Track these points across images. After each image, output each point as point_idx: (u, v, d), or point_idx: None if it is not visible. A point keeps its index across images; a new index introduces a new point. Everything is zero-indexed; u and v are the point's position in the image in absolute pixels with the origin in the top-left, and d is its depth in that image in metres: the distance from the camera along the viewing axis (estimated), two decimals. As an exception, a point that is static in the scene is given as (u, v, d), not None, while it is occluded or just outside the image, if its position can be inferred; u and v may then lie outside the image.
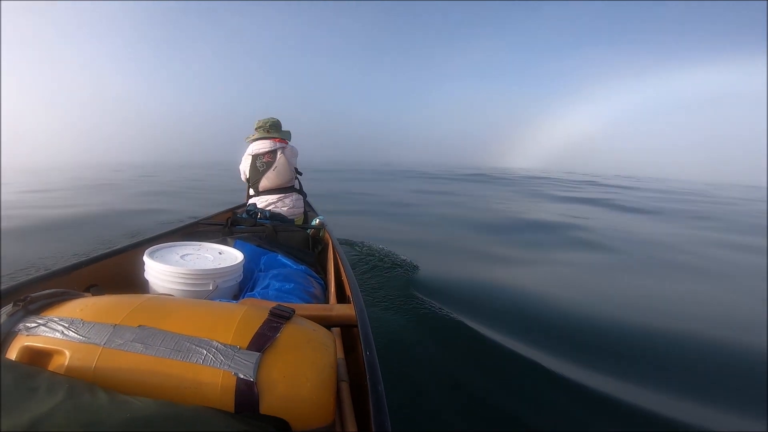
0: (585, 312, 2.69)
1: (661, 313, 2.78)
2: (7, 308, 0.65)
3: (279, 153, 2.42)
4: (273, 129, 2.48)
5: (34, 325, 0.62)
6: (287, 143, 2.51)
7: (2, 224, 4.65)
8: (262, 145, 2.42)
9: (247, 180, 2.48)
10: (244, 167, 2.48)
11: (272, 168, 2.40)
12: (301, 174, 2.63)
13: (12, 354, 0.60)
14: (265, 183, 2.42)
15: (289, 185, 2.53)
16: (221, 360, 0.59)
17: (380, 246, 3.81)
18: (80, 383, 0.52)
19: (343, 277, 1.57)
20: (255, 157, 2.42)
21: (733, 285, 3.77)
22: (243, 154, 2.51)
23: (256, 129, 2.49)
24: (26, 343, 0.60)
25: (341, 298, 1.48)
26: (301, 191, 2.64)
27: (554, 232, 6.15)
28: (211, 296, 1.24)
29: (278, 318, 0.69)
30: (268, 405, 0.57)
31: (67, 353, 0.59)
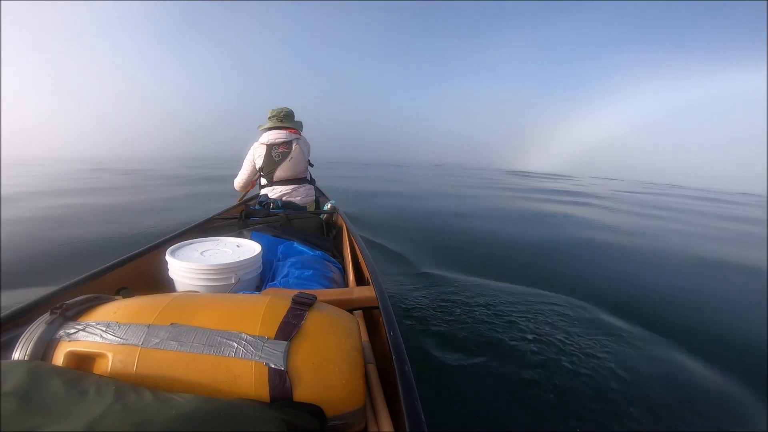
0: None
1: None
2: (45, 316, 0.67)
3: (294, 144, 2.43)
4: (287, 119, 2.49)
5: (73, 330, 0.64)
6: (300, 134, 2.53)
7: None
8: (278, 135, 2.42)
9: (260, 169, 2.49)
10: (257, 156, 2.47)
11: (288, 158, 2.42)
12: (312, 165, 2.66)
13: (58, 360, 0.62)
14: (279, 173, 2.44)
15: (303, 176, 2.56)
16: (252, 351, 0.60)
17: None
18: (125, 384, 0.54)
19: (360, 260, 1.58)
20: (270, 147, 2.43)
21: None
22: (255, 142, 2.50)
23: (269, 118, 2.50)
24: (69, 349, 0.62)
25: (360, 280, 1.50)
26: (311, 181, 2.67)
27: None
28: (234, 289, 1.27)
29: (301, 305, 0.70)
30: (301, 392, 0.58)
31: (109, 355, 0.61)
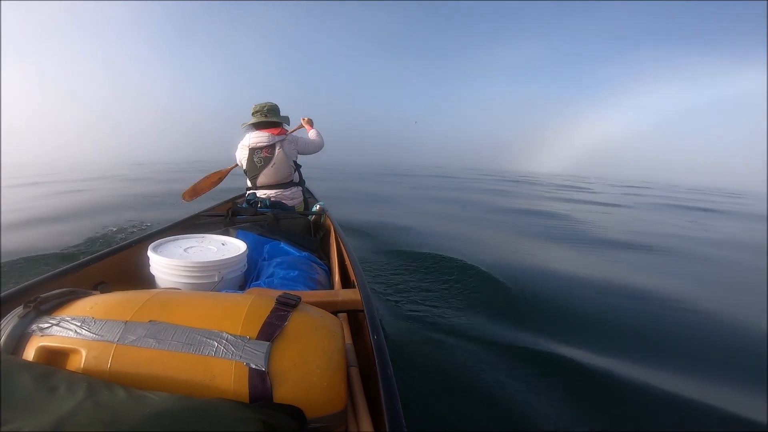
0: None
1: None
2: (18, 310, 0.65)
3: (278, 148, 2.33)
4: (271, 113, 2.34)
5: (47, 325, 0.63)
6: (286, 133, 2.41)
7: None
8: (260, 139, 2.32)
9: (244, 172, 2.44)
10: (241, 157, 2.41)
11: (270, 164, 2.34)
12: (300, 166, 2.57)
13: (29, 355, 0.60)
14: (263, 179, 2.38)
15: (288, 180, 2.46)
16: (232, 351, 0.59)
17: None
18: (98, 381, 0.53)
19: (347, 262, 1.57)
20: (252, 151, 2.34)
21: None
22: (239, 141, 2.42)
23: (252, 114, 2.35)
24: (41, 344, 0.61)
25: (346, 283, 1.49)
26: (300, 182, 2.58)
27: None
28: (217, 287, 1.25)
29: (285, 306, 0.69)
30: (281, 393, 0.58)
31: (83, 352, 0.60)
